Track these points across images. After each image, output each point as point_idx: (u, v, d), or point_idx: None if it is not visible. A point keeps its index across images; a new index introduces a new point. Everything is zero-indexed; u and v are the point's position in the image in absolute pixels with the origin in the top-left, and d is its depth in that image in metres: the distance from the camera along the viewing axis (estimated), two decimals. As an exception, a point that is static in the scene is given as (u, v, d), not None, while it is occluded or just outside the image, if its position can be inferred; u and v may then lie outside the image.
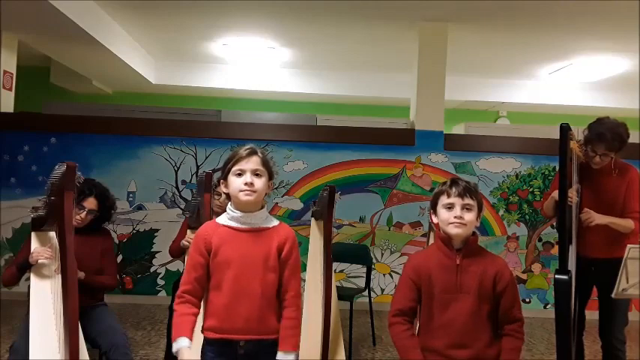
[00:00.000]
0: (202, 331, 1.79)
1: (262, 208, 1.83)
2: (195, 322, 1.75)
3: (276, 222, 1.85)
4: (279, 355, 1.75)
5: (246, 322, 1.74)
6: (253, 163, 1.78)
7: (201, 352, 1.81)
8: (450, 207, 1.86)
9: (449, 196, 1.87)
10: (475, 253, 1.89)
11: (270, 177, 1.82)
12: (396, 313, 1.91)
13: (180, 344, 1.69)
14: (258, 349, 1.76)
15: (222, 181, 1.84)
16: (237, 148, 1.82)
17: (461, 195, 1.85)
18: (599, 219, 2.71)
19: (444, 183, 1.92)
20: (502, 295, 1.85)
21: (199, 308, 1.79)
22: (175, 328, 1.74)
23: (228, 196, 1.83)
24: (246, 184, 1.75)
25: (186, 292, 1.77)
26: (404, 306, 1.90)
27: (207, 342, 1.80)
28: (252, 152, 1.80)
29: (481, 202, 1.90)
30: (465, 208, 1.85)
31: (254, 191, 1.76)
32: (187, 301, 1.76)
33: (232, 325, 1.74)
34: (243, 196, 1.76)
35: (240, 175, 1.77)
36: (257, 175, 1.78)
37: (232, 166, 1.79)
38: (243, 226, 1.79)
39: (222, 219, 1.82)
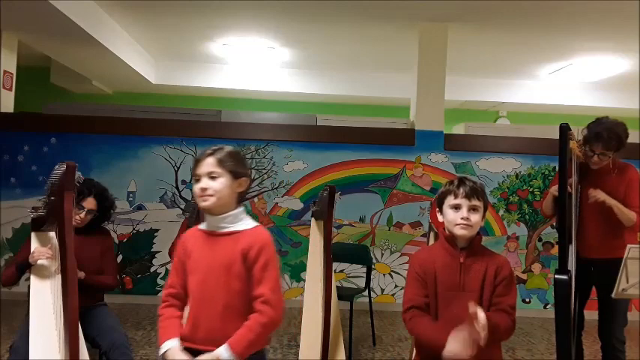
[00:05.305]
0: None
1: (235, 209, 1.72)
2: (180, 325, 1.71)
3: (250, 225, 1.73)
4: (221, 348, 1.59)
5: (209, 333, 1.65)
6: (207, 165, 1.69)
7: None
8: (456, 208, 1.85)
9: (456, 196, 1.85)
10: (478, 253, 1.89)
11: (237, 175, 1.71)
12: (411, 309, 1.86)
13: (170, 344, 1.66)
14: None
15: None
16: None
17: (468, 196, 1.83)
18: (605, 198, 2.73)
19: (452, 182, 1.90)
20: (497, 286, 1.84)
21: (183, 311, 1.75)
22: (162, 332, 1.70)
23: None
24: (201, 189, 1.68)
25: (170, 295, 1.75)
26: (417, 302, 1.86)
27: None
28: (208, 154, 1.71)
29: (487, 203, 1.89)
30: (472, 209, 1.84)
31: (210, 195, 1.67)
32: (171, 305, 1.74)
33: (197, 335, 1.67)
34: (201, 202, 1.69)
35: (197, 180, 1.71)
36: (212, 177, 1.68)
37: (192, 172, 1.74)
38: (211, 230, 1.72)
39: (203, 223, 1.78)
